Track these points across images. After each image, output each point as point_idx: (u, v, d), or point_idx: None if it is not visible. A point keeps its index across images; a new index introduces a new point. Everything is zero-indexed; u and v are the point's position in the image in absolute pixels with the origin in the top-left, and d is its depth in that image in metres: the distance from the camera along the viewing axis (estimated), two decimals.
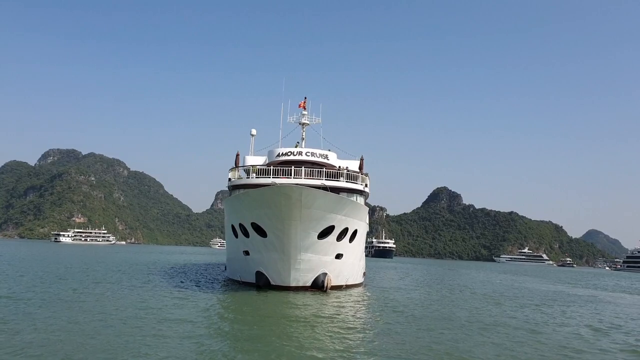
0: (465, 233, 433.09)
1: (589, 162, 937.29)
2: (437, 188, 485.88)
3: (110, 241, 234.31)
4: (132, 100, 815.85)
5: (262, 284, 25.45)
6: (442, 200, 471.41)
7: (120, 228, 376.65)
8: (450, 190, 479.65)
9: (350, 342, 13.44)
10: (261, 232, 24.31)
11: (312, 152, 33.88)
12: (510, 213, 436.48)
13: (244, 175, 31.82)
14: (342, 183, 29.60)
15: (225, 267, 33.13)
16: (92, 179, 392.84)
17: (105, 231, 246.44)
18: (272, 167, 29.89)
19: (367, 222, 31.63)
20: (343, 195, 27.91)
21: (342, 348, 12.53)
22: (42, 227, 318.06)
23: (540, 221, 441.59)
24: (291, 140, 39.17)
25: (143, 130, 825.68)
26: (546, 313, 23.29)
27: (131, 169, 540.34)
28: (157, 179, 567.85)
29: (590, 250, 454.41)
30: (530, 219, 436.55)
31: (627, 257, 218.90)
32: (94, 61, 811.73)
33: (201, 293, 23.92)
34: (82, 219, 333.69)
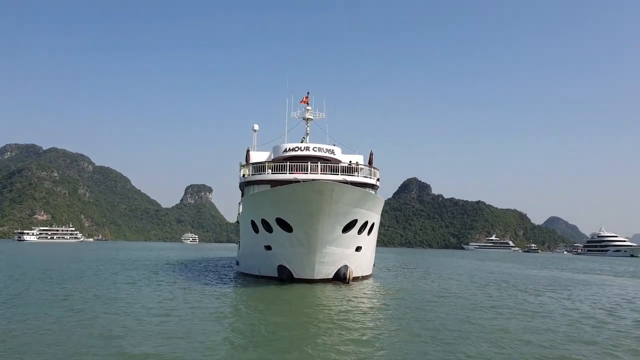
0: (435, 222, 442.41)
1: (549, 153, 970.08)
2: (408, 179, 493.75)
3: (78, 238, 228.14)
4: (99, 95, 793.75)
5: (285, 277, 26.05)
6: (412, 191, 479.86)
7: (86, 225, 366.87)
8: (420, 181, 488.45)
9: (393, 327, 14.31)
10: (287, 227, 24.85)
11: (319, 147, 34.43)
12: (478, 202, 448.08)
13: (249, 170, 31.87)
14: (359, 178, 30.35)
15: (237, 262, 33.45)
16: (55, 174, 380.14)
17: (73, 228, 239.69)
18: (288, 163, 30.35)
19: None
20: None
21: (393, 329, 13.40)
22: (2, 226, 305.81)
23: (506, 209, 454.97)
24: (293, 135, 39.72)
25: (109, 125, 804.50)
26: (569, 298, 24.78)
27: (96, 164, 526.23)
28: (124, 174, 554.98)
29: (551, 236, 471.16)
30: (497, 208, 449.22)
31: (587, 242, 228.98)
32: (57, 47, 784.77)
33: (235, 288, 24.39)
34: (45, 216, 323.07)
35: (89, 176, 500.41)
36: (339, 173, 29.93)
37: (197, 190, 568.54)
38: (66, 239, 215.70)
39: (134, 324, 13.89)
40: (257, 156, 39.07)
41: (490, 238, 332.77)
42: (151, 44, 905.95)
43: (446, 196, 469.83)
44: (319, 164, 30.05)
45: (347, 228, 25.35)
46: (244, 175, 31.62)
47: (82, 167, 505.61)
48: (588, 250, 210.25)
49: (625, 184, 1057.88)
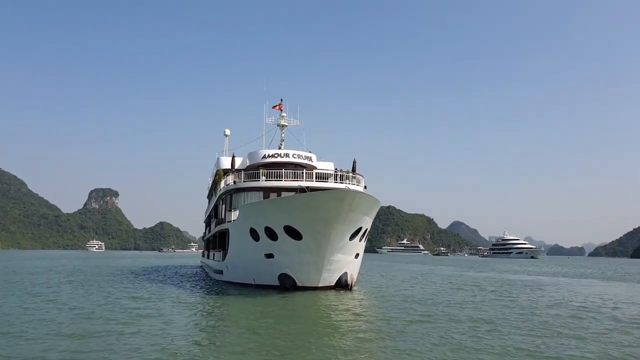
0: None
1: (452, 159, 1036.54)
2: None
3: None
4: None
5: (288, 285, 25.77)
6: None
7: None
8: None
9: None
10: (295, 235, 24.64)
11: (298, 154, 34.52)
12: (389, 207, 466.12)
13: (241, 177, 31.15)
14: (356, 187, 30.80)
15: (222, 272, 32.31)
16: None
17: None
18: (283, 170, 30.05)
19: None
20: None
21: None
22: None
23: (415, 214, 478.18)
24: (260, 142, 39.23)
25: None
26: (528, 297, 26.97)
27: None
28: (19, 177, 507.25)
29: (455, 239, 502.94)
30: (406, 212, 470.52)
31: (493, 245, 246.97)
32: None
33: (232, 298, 23.65)
34: None
35: None
36: (331, 180, 30.24)
37: (102, 195, 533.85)
38: None
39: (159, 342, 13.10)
40: (229, 161, 38.16)
41: (402, 242, 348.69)
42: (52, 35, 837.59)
43: None
44: (314, 171, 30.21)
45: (353, 235, 25.72)
46: (234, 182, 30.71)
47: None
48: (494, 253, 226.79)
49: (521, 190, 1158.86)
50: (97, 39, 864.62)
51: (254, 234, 26.61)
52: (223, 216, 35.44)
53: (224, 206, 33.54)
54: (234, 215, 29.35)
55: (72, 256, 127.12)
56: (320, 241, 24.40)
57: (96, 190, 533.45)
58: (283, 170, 30.05)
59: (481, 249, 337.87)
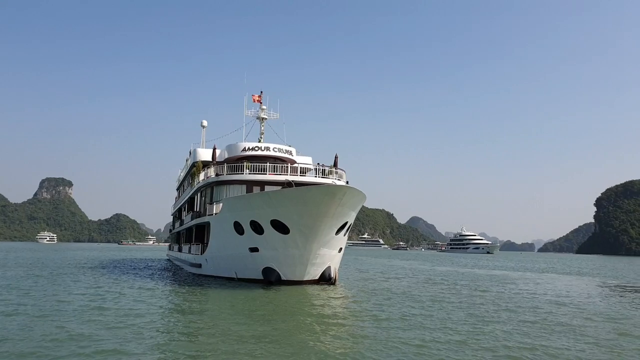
0: None
1: (412, 156, 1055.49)
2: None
3: None
4: None
5: (273, 279, 25.70)
6: None
7: None
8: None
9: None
10: (282, 229, 24.56)
11: (279, 148, 34.39)
12: None
13: (224, 169, 30.63)
14: (341, 182, 30.87)
15: (201, 265, 31.78)
16: None
17: None
18: (268, 164, 29.82)
19: None
20: None
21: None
22: None
23: (375, 209, 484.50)
24: (238, 135, 38.82)
25: None
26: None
27: None
28: None
29: (414, 234, 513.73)
30: (367, 207, 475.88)
31: (451, 241, 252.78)
32: None
33: (226, 291, 23.37)
34: None
35: None
36: (319, 176, 30.21)
37: (55, 184, 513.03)
38: None
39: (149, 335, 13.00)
40: (207, 153, 37.51)
41: (363, 236, 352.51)
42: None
43: None
44: (298, 165, 30.16)
45: (339, 230, 25.88)
46: (216, 174, 30.19)
47: None
48: (451, 248, 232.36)
49: (477, 188, 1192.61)
50: (69, 24, 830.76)
51: (238, 228, 26.33)
52: (200, 209, 34.88)
53: (203, 199, 32.95)
54: (216, 208, 28.89)
55: (23, 248, 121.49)
56: (308, 235, 24.43)
57: (48, 180, 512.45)
58: (268, 164, 29.85)
59: (439, 244, 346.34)
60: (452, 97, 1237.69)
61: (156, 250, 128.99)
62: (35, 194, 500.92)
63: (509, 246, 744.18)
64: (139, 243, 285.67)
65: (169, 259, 62.63)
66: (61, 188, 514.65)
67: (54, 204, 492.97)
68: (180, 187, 54.08)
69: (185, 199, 41.66)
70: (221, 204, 28.12)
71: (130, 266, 44.08)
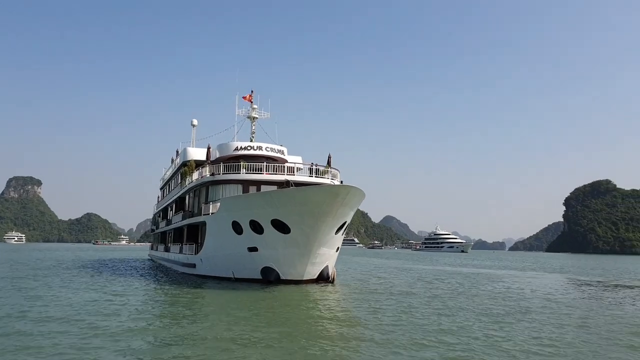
0: None
1: (385, 155, 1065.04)
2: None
3: None
4: None
5: (272, 278, 25.78)
6: None
7: None
8: None
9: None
10: (283, 229, 24.65)
11: (271, 147, 34.46)
12: None
13: (220, 169, 30.44)
14: (336, 181, 31.08)
15: (195, 265, 31.50)
16: None
17: None
18: (265, 163, 29.83)
19: None
20: None
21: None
22: None
23: None
24: (228, 134, 38.48)
25: None
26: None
27: None
28: None
29: (388, 233, 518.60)
30: None
31: (425, 239, 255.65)
32: None
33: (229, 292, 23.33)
34: None
35: None
36: (314, 175, 30.37)
37: (23, 183, 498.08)
38: None
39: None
40: (197, 152, 37.29)
41: None
42: None
43: None
44: (295, 165, 30.30)
45: (339, 229, 26.15)
46: (212, 174, 30.01)
47: None
48: (426, 247, 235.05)
49: (449, 188, 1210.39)
50: (42, 15, 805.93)
51: (236, 227, 26.29)
52: (191, 208, 34.61)
53: (197, 198, 32.71)
54: (213, 207, 28.74)
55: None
56: (309, 235, 24.59)
57: (16, 179, 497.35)
58: (265, 164, 29.88)
59: (413, 243, 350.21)
60: (424, 94, 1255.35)
61: (133, 250, 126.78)
62: (2, 193, 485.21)
63: (480, 245, 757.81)
64: (114, 243, 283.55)
65: (151, 259, 61.78)
66: (29, 187, 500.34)
67: (22, 203, 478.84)
68: (165, 187, 53.40)
69: (174, 198, 41.20)
70: (218, 204, 28.02)
71: (118, 267, 43.41)
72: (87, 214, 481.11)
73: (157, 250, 55.53)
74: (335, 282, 27.84)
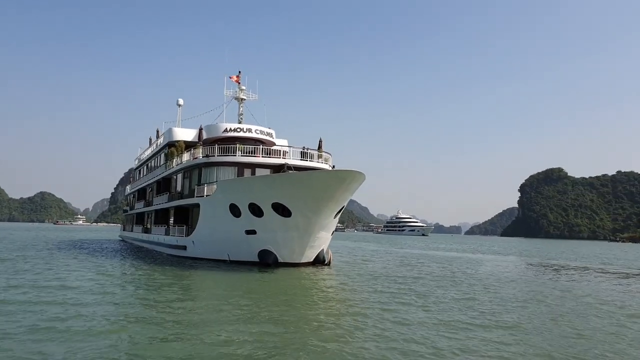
0: None
1: (346, 138, 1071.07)
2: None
3: None
4: None
5: (270, 261, 26.10)
6: None
7: None
8: None
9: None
10: (284, 212, 24.95)
11: (260, 130, 34.51)
12: None
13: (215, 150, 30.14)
14: (327, 165, 31.45)
15: (185, 247, 31.21)
16: None
17: None
18: (261, 147, 29.83)
19: None
20: None
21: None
22: None
23: None
24: (214, 115, 37.94)
25: None
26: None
27: None
28: None
29: (349, 216, 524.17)
30: None
31: (387, 223, 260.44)
32: None
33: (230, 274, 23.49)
34: None
35: None
36: (314, 160, 30.58)
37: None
38: None
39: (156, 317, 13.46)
40: (184, 133, 36.84)
41: None
42: None
43: None
44: (291, 149, 30.48)
45: (337, 213, 26.74)
46: (206, 155, 29.73)
47: None
48: (388, 230, 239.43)
49: (405, 172, 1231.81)
50: None
51: (234, 210, 26.38)
52: (182, 190, 34.28)
53: (187, 180, 32.40)
54: (208, 190, 28.61)
55: None
56: (311, 219, 25.02)
57: None
58: (261, 147, 29.92)
59: (373, 226, 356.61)
60: (386, 75, 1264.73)
61: (97, 230, 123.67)
62: None
63: (438, 229, 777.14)
64: (75, 223, 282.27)
65: (123, 240, 60.62)
66: None
67: None
68: (142, 167, 52.31)
69: (156, 179, 40.54)
70: (213, 186, 27.95)
71: (96, 248, 42.48)
72: (41, 192, 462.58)
73: (132, 231, 54.52)
74: (331, 264, 28.43)
